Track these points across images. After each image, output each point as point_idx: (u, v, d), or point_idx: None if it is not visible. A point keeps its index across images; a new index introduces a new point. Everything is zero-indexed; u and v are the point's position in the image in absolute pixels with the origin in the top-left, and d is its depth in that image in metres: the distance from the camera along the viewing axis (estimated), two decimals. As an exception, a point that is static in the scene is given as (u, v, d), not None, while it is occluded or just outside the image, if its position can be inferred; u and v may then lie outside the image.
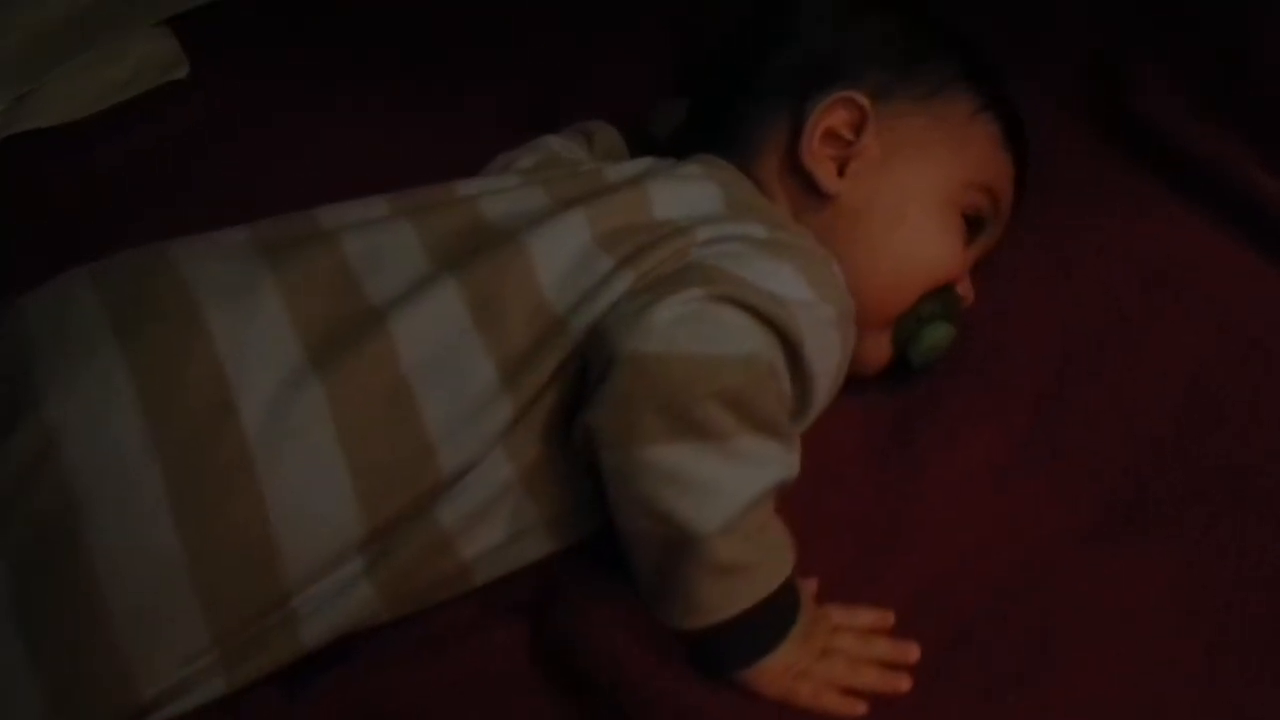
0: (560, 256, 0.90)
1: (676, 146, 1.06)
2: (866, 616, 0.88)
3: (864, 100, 0.99)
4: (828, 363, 0.91)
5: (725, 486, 0.82)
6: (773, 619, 0.85)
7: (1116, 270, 1.10)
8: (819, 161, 0.99)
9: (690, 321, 0.83)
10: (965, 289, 1.04)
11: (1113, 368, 1.04)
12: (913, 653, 0.86)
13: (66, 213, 1.25)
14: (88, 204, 1.26)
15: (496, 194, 0.97)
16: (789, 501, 0.88)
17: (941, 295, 1.01)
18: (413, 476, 0.84)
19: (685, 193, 0.96)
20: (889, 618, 0.88)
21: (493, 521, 0.87)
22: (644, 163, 1.03)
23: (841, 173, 1.00)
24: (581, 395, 0.86)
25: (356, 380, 0.84)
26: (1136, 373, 1.03)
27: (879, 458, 1.00)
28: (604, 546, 0.88)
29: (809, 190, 1.00)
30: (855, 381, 1.01)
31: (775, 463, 0.84)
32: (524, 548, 0.90)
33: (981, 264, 1.07)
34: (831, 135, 1.00)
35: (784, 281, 0.89)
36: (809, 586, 0.89)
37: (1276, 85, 1.14)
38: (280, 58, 1.44)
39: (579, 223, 0.92)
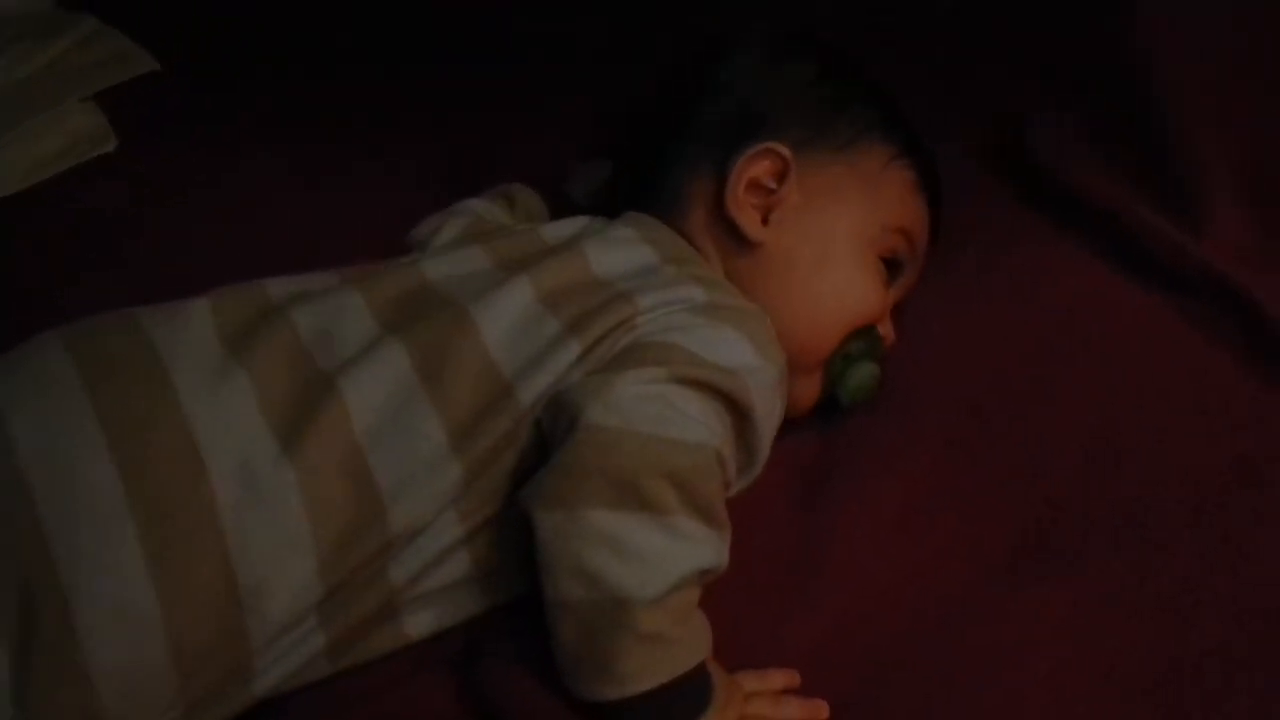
0: (504, 319, 0.91)
1: (601, 206, 1.09)
2: (777, 679, 0.90)
3: (785, 150, 1.02)
4: (772, 422, 0.94)
5: (660, 559, 0.83)
6: (688, 697, 0.85)
7: (1025, 315, 1.13)
8: (743, 210, 1.02)
9: (650, 402, 0.85)
10: (886, 329, 1.06)
11: (1019, 410, 1.06)
12: (822, 711, 0.88)
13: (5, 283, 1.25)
14: (17, 276, 1.26)
15: (437, 259, 0.99)
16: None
17: (866, 335, 1.03)
18: (367, 539, 0.85)
19: (621, 254, 0.99)
20: (795, 677, 0.90)
21: (435, 579, 0.89)
22: (578, 222, 1.05)
23: (765, 221, 1.02)
24: (532, 462, 0.88)
25: (316, 449, 0.85)
26: (1042, 415, 1.05)
27: (798, 497, 1.02)
28: (533, 606, 0.89)
29: (735, 239, 1.03)
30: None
31: (709, 547, 0.86)
32: (462, 605, 0.91)
33: (900, 307, 1.10)
34: (755, 185, 1.03)
35: (731, 349, 0.91)
36: None
37: (1171, 138, 1.18)
38: (204, 131, 1.46)
39: (522, 285, 0.93)
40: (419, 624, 0.90)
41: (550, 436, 0.87)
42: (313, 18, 1.69)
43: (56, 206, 1.36)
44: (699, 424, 0.86)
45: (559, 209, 1.17)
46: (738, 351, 0.91)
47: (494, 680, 0.88)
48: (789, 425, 1.04)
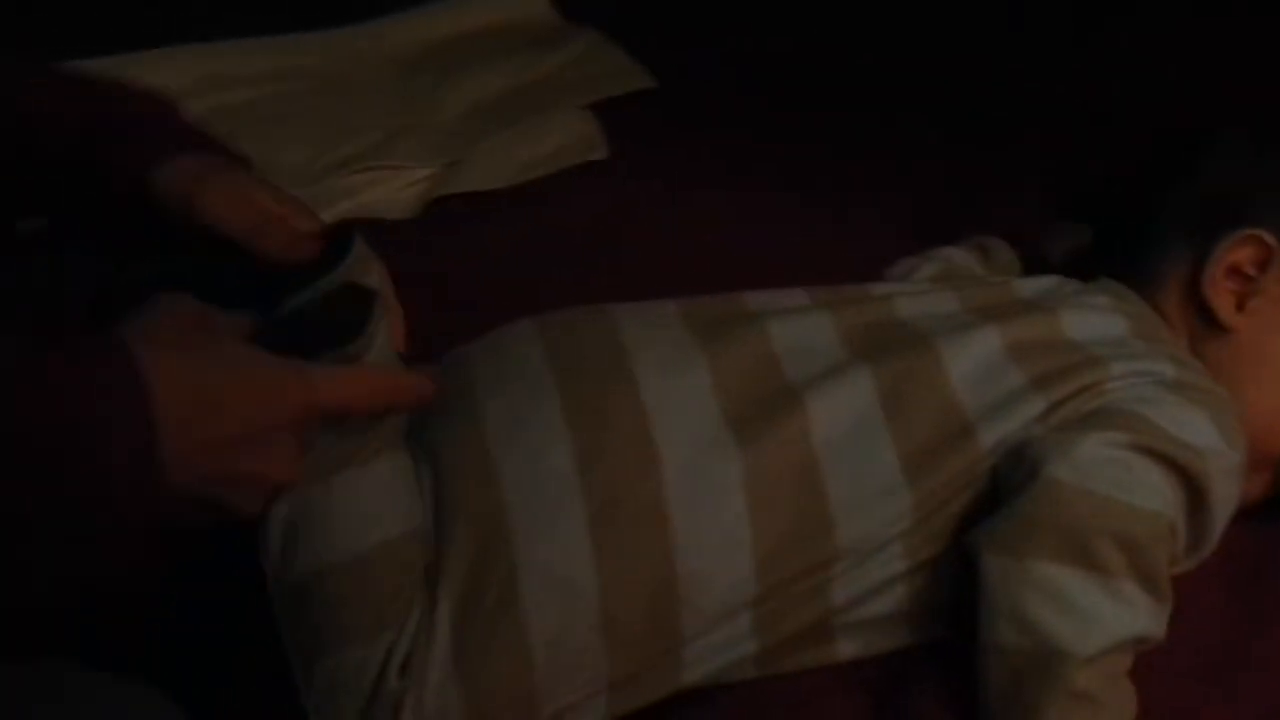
0: (970, 363, 0.95)
1: (1073, 268, 1.10)
2: None
3: (1271, 239, 1.02)
4: (1227, 506, 0.94)
5: (1102, 618, 0.85)
6: None
7: None
8: (1220, 294, 1.02)
9: (1111, 465, 0.88)
10: None
11: None
12: None
13: (481, 270, 1.34)
14: (500, 264, 1.35)
15: (909, 296, 1.03)
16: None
17: None
18: (809, 548, 0.89)
19: (1094, 320, 1.00)
20: None
21: (872, 607, 0.92)
22: (1050, 280, 1.07)
23: (1241, 308, 1.02)
24: (983, 507, 0.91)
25: (770, 453, 0.90)
26: None
27: (1232, 586, 1.01)
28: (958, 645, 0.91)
29: (1207, 322, 1.03)
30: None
31: (1148, 614, 0.87)
32: (890, 636, 0.94)
33: None
34: (1235, 271, 1.03)
35: (1197, 429, 0.92)
36: None
37: None
38: (691, 147, 1.53)
39: (991, 333, 0.96)
40: (847, 648, 0.93)
41: (1006, 485, 0.90)
42: (806, 51, 1.76)
43: (543, 203, 1.46)
44: (1157, 493, 0.88)
45: (1030, 265, 1.19)
46: (1203, 432, 0.92)
47: (917, 713, 0.91)
48: (1238, 513, 1.03)
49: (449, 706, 0.84)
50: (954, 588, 0.90)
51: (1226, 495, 0.93)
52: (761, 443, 0.90)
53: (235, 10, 1.83)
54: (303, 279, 0.86)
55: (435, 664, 0.84)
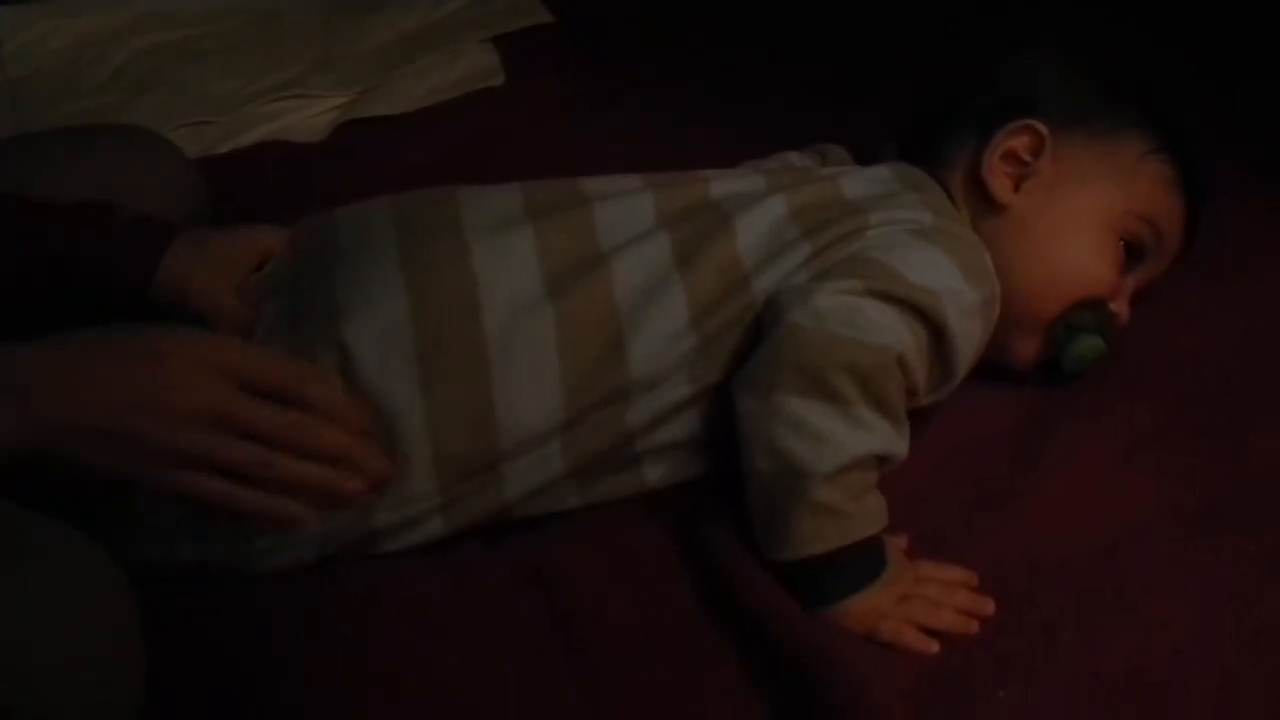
0: (758, 226, 1.07)
1: None
2: (953, 572, 1.01)
3: (1043, 128, 1.13)
4: (969, 342, 1.05)
5: (837, 440, 0.96)
6: (857, 565, 0.98)
7: (1262, 320, 1.22)
8: (996, 176, 1.13)
9: (844, 309, 0.98)
10: (1120, 309, 1.14)
11: (1235, 396, 1.14)
12: (988, 607, 0.98)
13: (385, 182, 1.43)
14: (402, 176, 1.41)
15: (726, 180, 1.14)
16: (928, 450, 1.04)
17: (1096, 310, 1.12)
18: (607, 380, 1.02)
19: (869, 184, 1.12)
20: (973, 578, 1.00)
21: (667, 433, 1.04)
22: (853, 168, 1.19)
23: (1016, 189, 1.13)
24: (754, 346, 1.02)
25: (579, 303, 1.02)
26: (1257, 405, 1.13)
27: (1014, 436, 1.12)
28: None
29: (985, 201, 1.14)
30: (1010, 373, 1.15)
31: (884, 436, 0.98)
32: (691, 463, 1.06)
33: (1144, 292, 1.18)
34: (1011, 155, 1.14)
35: (938, 269, 1.03)
36: (899, 542, 1.02)
37: None
38: (582, 75, 1.68)
39: (779, 200, 1.08)
40: (655, 474, 1.06)
41: (763, 331, 1.02)
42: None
43: (446, 123, 1.61)
44: (885, 330, 0.98)
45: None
46: (942, 274, 1.03)
47: (710, 535, 1.03)
48: (1022, 375, 1.16)
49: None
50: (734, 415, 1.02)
51: (966, 331, 1.04)
52: (571, 295, 1.02)
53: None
54: None
55: None
